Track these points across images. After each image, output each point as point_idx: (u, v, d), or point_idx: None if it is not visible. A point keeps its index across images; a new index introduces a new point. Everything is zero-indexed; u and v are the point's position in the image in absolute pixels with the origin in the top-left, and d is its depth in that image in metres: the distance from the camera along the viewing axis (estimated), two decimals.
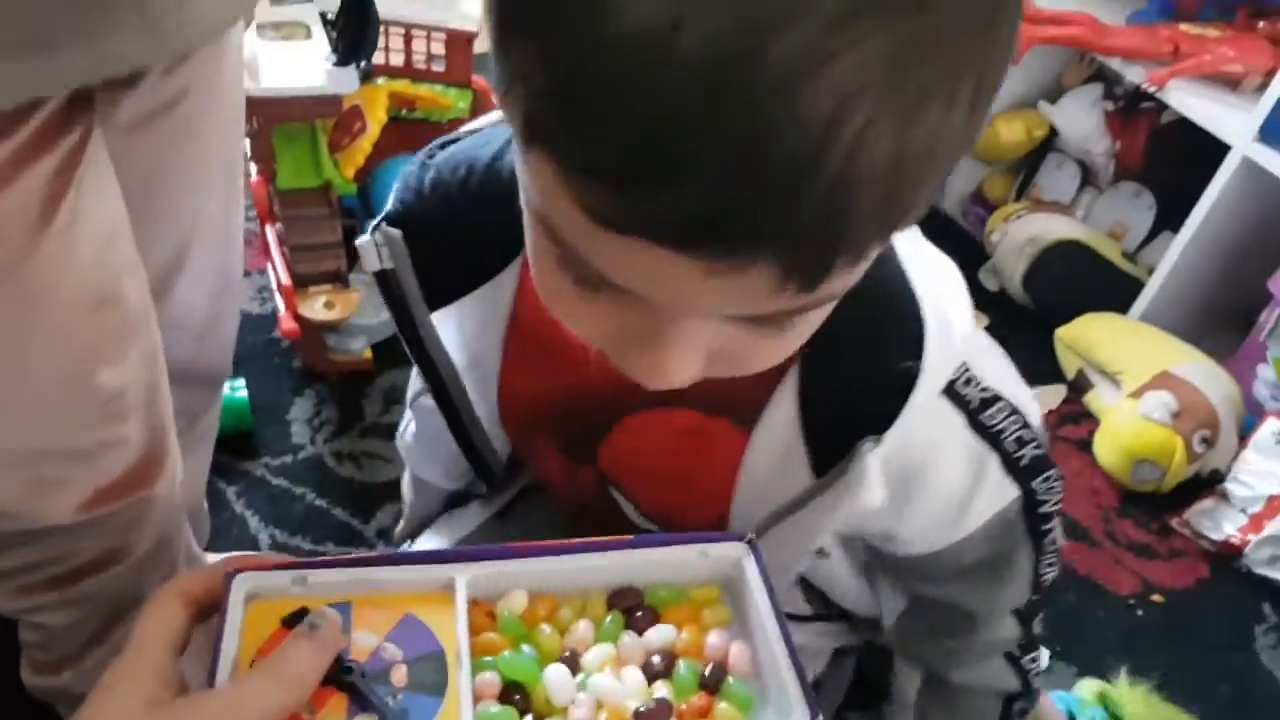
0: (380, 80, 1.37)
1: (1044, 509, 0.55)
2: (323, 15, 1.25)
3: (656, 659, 0.46)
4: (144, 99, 0.62)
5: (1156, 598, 1.28)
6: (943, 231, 1.73)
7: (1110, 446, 1.38)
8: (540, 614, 0.47)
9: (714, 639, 0.47)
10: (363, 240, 0.54)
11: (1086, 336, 1.49)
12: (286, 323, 1.27)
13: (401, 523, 0.87)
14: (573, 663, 0.46)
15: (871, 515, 0.52)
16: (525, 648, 0.46)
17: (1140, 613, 1.26)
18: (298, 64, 1.18)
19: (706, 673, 0.45)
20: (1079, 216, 1.71)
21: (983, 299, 1.41)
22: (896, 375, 0.48)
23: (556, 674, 0.45)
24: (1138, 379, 1.40)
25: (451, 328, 0.58)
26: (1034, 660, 0.64)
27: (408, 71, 1.42)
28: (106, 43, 0.50)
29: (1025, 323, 1.60)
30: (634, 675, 0.45)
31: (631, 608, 0.48)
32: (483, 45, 1.43)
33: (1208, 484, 1.38)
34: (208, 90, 0.68)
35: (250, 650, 0.44)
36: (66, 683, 0.74)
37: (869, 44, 0.29)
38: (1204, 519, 1.35)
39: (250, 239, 1.26)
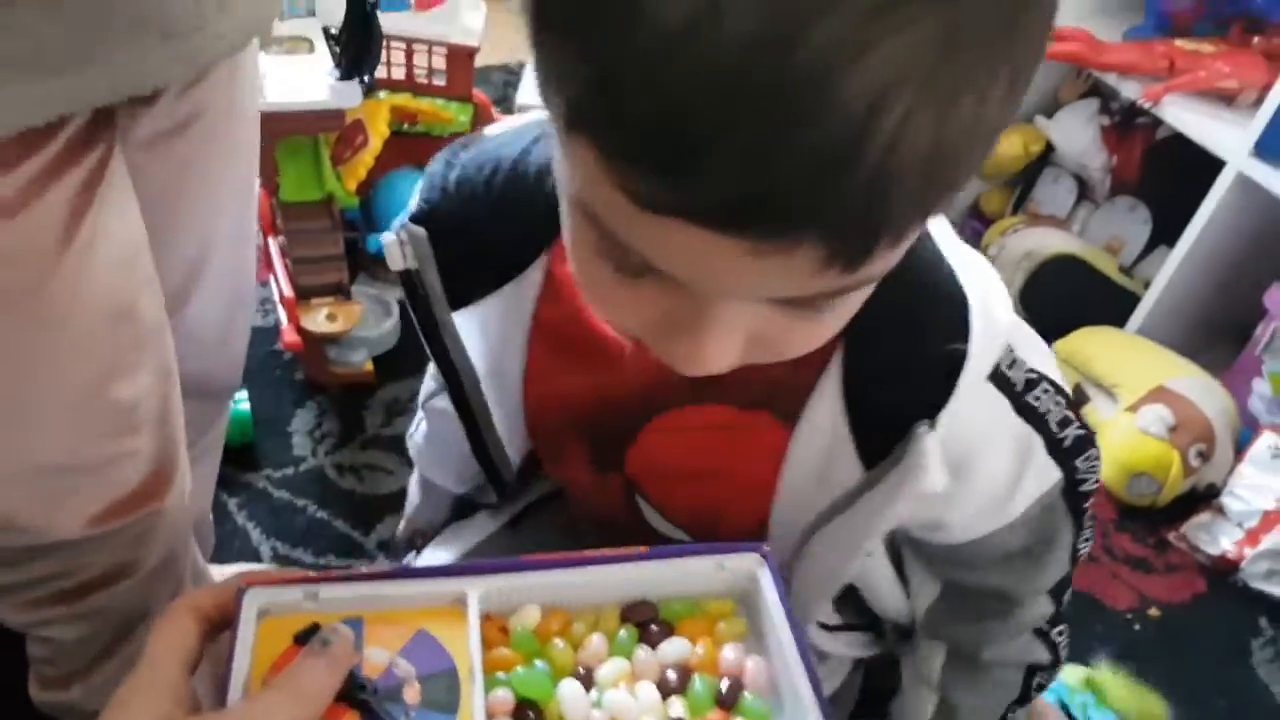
0: (382, 94, 1.38)
1: (1084, 488, 0.55)
2: (326, 30, 1.26)
3: (671, 674, 0.46)
4: (162, 116, 0.63)
5: (1153, 612, 1.28)
6: None
7: (1106, 460, 1.35)
8: (553, 628, 0.47)
9: (729, 653, 0.47)
10: (387, 238, 0.54)
11: (1083, 350, 1.50)
12: (289, 335, 1.27)
13: (402, 523, 0.86)
14: (586, 678, 0.45)
15: (926, 504, 0.51)
16: (538, 663, 0.46)
17: (1137, 627, 1.26)
18: (301, 78, 1.18)
19: (723, 689, 0.45)
20: (1075, 230, 1.72)
21: None
22: (943, 358, 0.48)
23: (570, 690, 0.45)
24: (1134, 393, 1.40)
25: (474, 327, 0.58)
26: (1061, 634, 0.63)
27: (409, 86, 1.43)
28: (130, 62, 0.50)
29: None
30: (648, 691, 0.45)
31: (646, 621, 0.48)
32: (483, 60, 1.43)
33: (1204, 498, 1.39)
34: (224, 107, 0.69)
35: (262, 667, 0.44)
36: (75, 698, 0.74)
37: (910, 32, 0.29)
38: (1200, 533, 1.35)
39: None
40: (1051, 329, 1.55)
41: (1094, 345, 1.50)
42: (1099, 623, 1.25)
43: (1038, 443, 0.52)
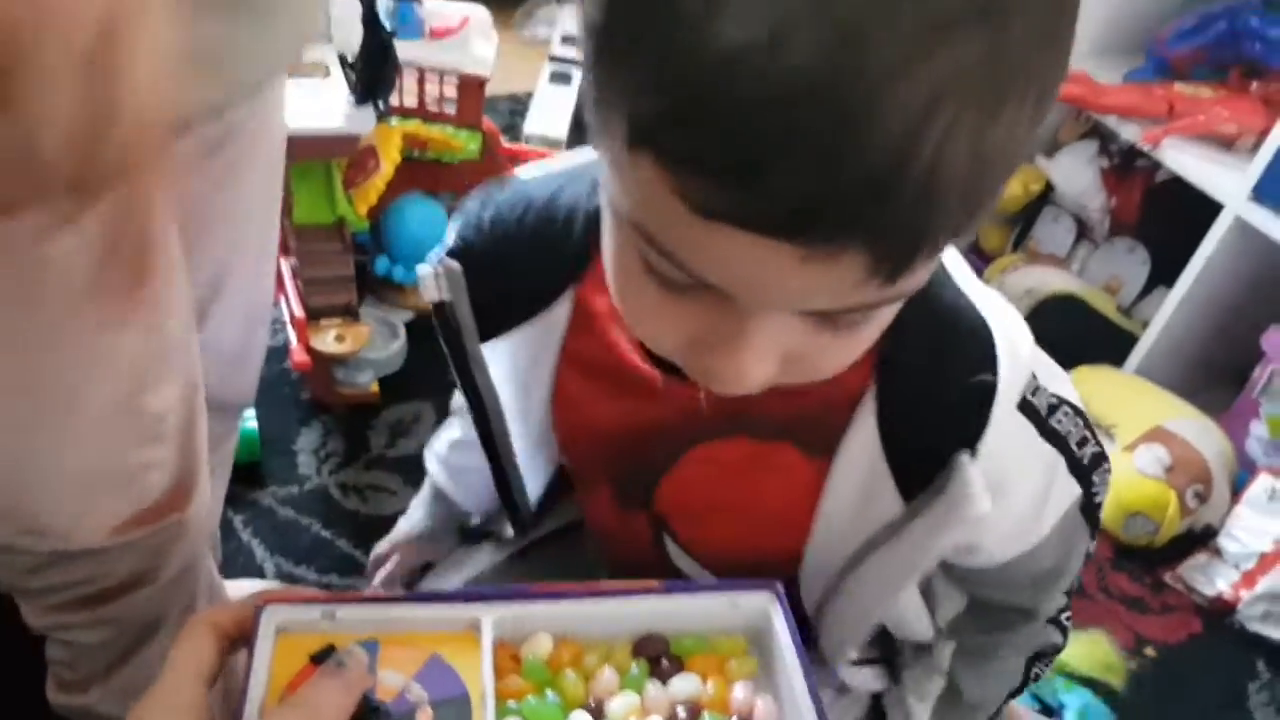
0: (394, 121, 1.40)
1: (1097, 499, 0.58)
2: (341, 57, 1.27)
3: (681, 710, 0.46)
4: (194, 139, 0.65)
5: (1149, 651, 1.28)
6: None
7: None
8: (565, 659, 0.48)
9: (740, 691, 0.47)
10: (423, 271, 0.56)
11: (1081, 389, 1.44)
12: (299, 355, 1.28)
13: (385, 543, 0.85)
14: (597, 711, 0.46)
15: (967, 529, 0.53)
16: (549, 693, 0.46)
17: (1133, 666, 1.26)
18: (316, 103, 1.20)
19: None
20: (1075, 270, 1.74)
21: None
22: (973, 390, 0.50)
23: None
24: (1131, 433, 1.41)
25: (503, 358, 0.59)
26: (1069, 616, 0.66)
27: (420, 113, 1.44)
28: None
29: None
30: None
31: (657, 656, 0.48)
32: (490, 89, 1.45)
33: (1201, 539, 1.39)
34: (253, 128, 0.71)
35: (279, 684, 0.44)
36: (92, 701, 0.75)
37: (960, 48, 0.31)
38: (1197, 574, 1.36)
39: None
40: None
41: (1092, 384, 1.50)
42: None
43: (1060, 463, 0.55)
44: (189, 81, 0.52)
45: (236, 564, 1.16)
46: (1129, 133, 1.53)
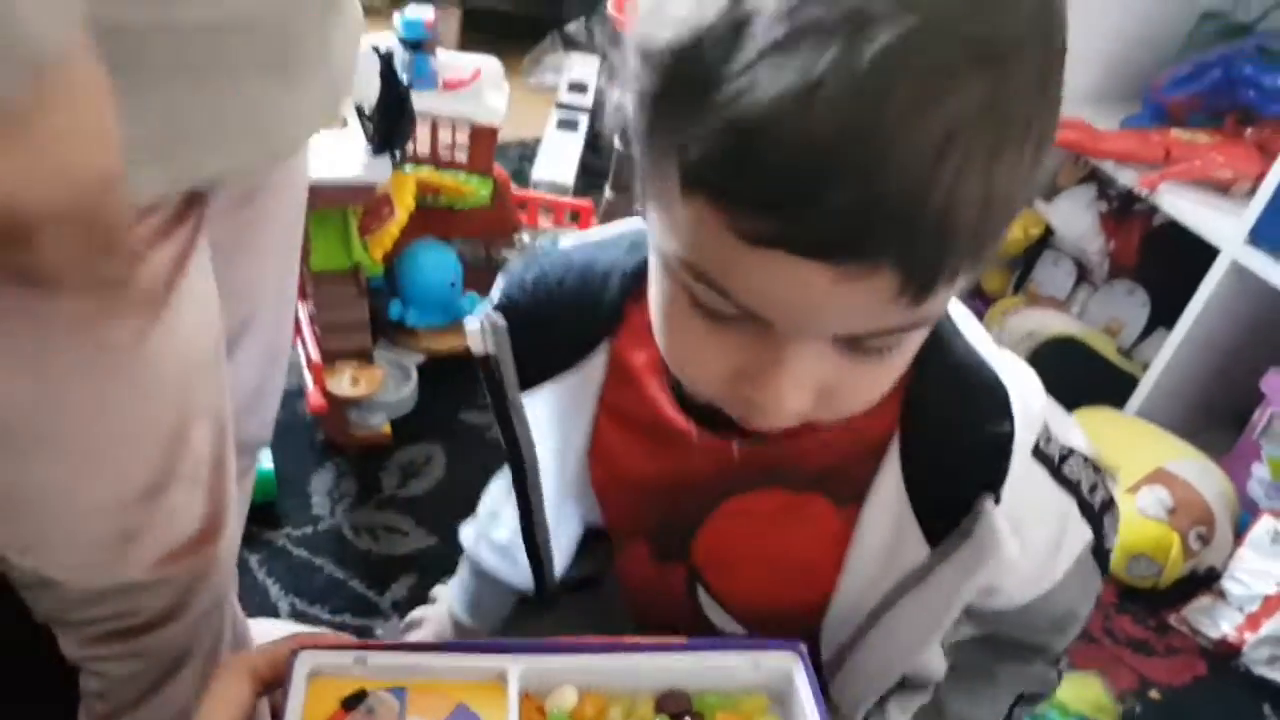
0: (408, 168, 1.43)
1: (1107, 544, 0.61)
2: (359, 108, 1.31)
3: None
4: (234, 186, 0.68)
5: (1154, 694, 1.28)
6: None
7: None
8: (589, 712, 0.48)
9: None
10: (470, 326, 0.60)
11: (1082, 430, 1.52)
12: (314, 398, 1.31)
13: (426, 612, 0.88)
14: None
15: (993, 572, 0.55)
16: None
17: (1138, 709, 1.26)
18: (335, 153, 1.24)
19: None
20: (1075, 312, 1.76)
21: None
22: (990, 439, 0.53)
23: None
24: (1133, 474, 1.42)
25: (542, 407, 0.62)
26: (1068, 661, 0.69)
27: (433, 160, 1.47)
28: (224, 149, 0.55)
29: None
30: None
31: (680, 712, 0.49)
32: (500, 136, 1.49)
33: (1204, 581, 1.39)
34: (282, 177, 0.74)
35: None
36: None
37: (964, 92, 0.36)
38: (1202, 617, 1.36)
39: None
40: None
41: (1093, 426, 1.50)
42: None
43: (1073, 508, 0.58)
44: (234, 142, 0.56)
45: (252, 603, 1.17)
46: (1126, 178, 1.55)
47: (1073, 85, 0.41)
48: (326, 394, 1.31)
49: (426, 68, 1.41)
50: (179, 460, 0.64)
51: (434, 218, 1.49)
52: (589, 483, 0.66)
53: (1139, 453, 1.46)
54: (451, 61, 1.46)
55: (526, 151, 2.12)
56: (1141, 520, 1.36)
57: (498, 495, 0.79)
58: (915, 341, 0.47)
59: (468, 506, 0.83)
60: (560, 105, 2.12)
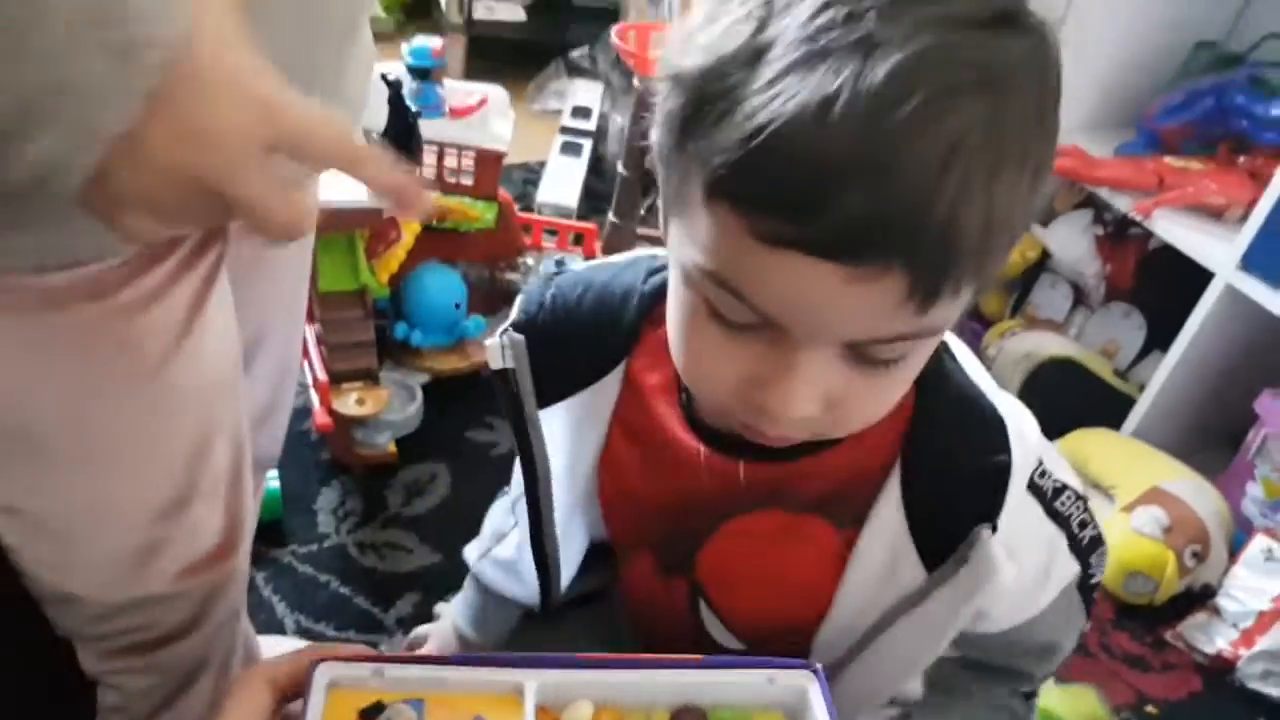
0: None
1: (1093, 580, 0.62)
2: (366, 133, 1.34)
3: None
4: None
5: (1150, 709, 1.29)
6: None
7: None
8: None
9: None
10: (490, 342, 0.62)
11: (1079, 451, 1.53)
12: (321, 417, 1.33)
13: (431, 630, 0.89)
14: None
15: (987, 597, 0.57)
16: None
17: None
18: (343, 177, 1.26)
19: None
20: (1072, 335, 1.77)
21: None
22: (988, 470, 0.55)
23: None
24: (1129, 493, 1.43)
25: (557, 423, 0.64)
26: (1034, 698, 0.70)
27: (439, 185, 1.50)
28: None
29: None
30: None
31: None
32: (506, 160, 1.51)
33: (1200, 598, 1.41)
34: None
35: None
36: None
37: (966, 111, 0.39)
38: (1197, 633, 1.37)
39: None
40: (1048, 430, 1.52)
41: (1090, 446, 1.53)
42: None
43: (1061, 541, 0.59)
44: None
45: (258, 620, 1.19)
46: (1121, 204, 1.56)
47: (1068, 113, 0.44)
48: (333, 413, 1.33)
49: (434, 95, 1.44)
50: (200, 476, 0.67)
51: (439, 241, 1.51)
52: (596, 495, 0.68)
53: (1135, 473, 1.47)
54: (458, 89, 1.49)
55: (531, 175, 2.15)
56: (1137, 539, 1.38)
57: (500, 515, 0.81)
58: (919, 359, 0.49)
59: (472, 524, 0.85)
60: (564, 130, 2.15)
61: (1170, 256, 1.53)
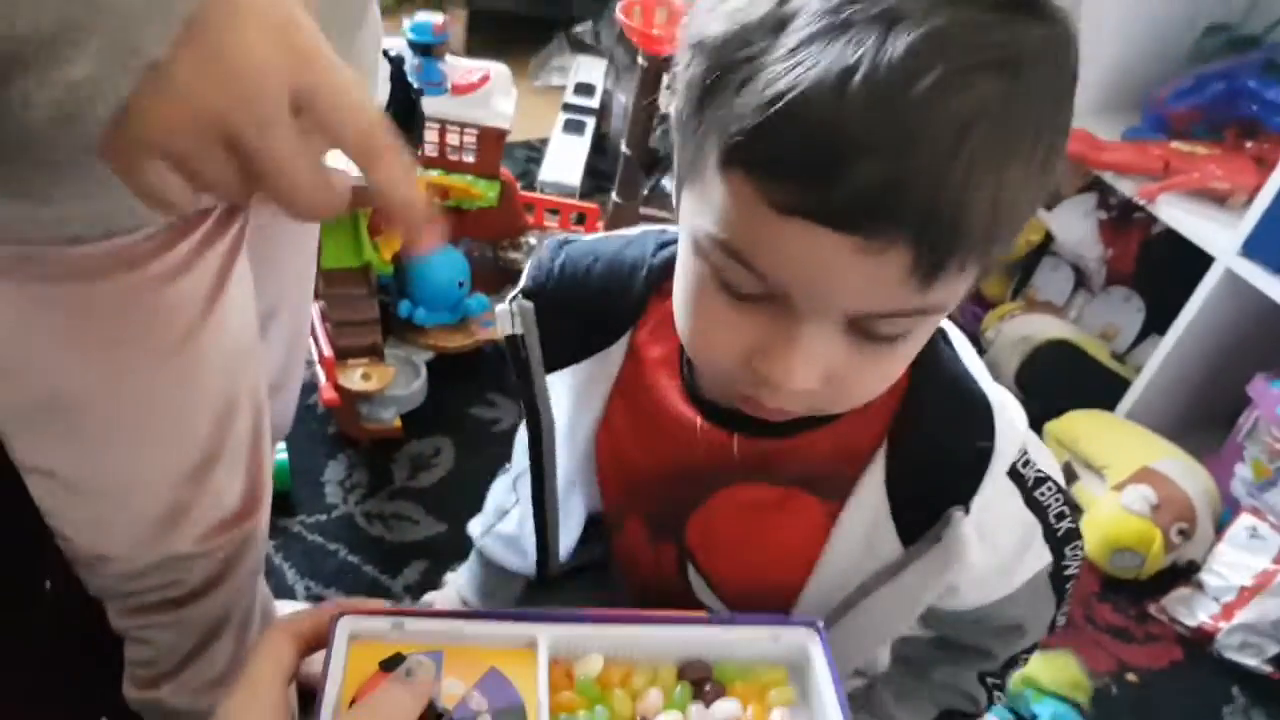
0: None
1: (1068, 573, 0.64)
2: None
3: None
4: None
5: (1131, 677, 1.33)
6: None
7: (1092, 535, 1.42)
8: (614, 678, 0.51)
9: (777, 717, 0.50)
10: (500, 308, 0.63)
11: (1074, 431, 1.55)
12: (327, 392, 1.35)
13: (438, 595, 0.92)
14: None
15: (956, 574, 0.59)
16: (599, 709, 0.50)
17: (1114, 690, 1.31)
18: (346, 157, 1.27)
19: None
20: (1072, 318, 1.78)
21: None
22: (972, 454, 0.57)
23: None
24: (1121, 473, 1.46)
25: (562, 389, 0.65)
26: (1000, 684, 0.71)
27: (441, 163, 1.49)
28: None
29: None
30: None
31: (701, 680, 0.51)
32: (507, 137, 1.51)
33: (1184, 573, 1.44)
34: None
35: (350, 688, 0.48)
36: (164, 696, 0.81)
37: (981, 88, 0.40)
38: (1180, 606, 1.41)
39: None
40: (1045, 411, 1.58)
41: (1084, 427, 1.55)
42: None
43: (1038, 530, 0.61)
44: None
45: (269, 586, 1.22)
46: (1125, 188, 1.56)
47: (1076, 96, 0.45)
48: (339, 388, 1.34)
49: (436, 72, 1.43)
50: (224, 442, 0.69)
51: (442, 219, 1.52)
52: (594, 461, 0.69)
53: (1127, 453, 1.49)
54: (460, 65, 1.48)
55: (533, 153, 2.14)
56: (1126, 515, 1.40)
57: (503, 492, 0.83)
58: (918, 338, 0.50)
59: (476, 496, 0.87)
60: (567, 107, 2.12)
61: (1172, 241, 1.53)
